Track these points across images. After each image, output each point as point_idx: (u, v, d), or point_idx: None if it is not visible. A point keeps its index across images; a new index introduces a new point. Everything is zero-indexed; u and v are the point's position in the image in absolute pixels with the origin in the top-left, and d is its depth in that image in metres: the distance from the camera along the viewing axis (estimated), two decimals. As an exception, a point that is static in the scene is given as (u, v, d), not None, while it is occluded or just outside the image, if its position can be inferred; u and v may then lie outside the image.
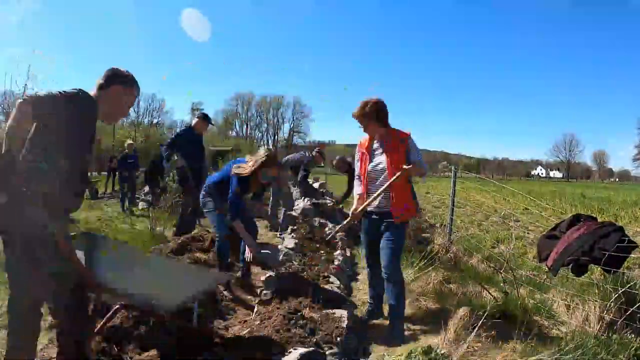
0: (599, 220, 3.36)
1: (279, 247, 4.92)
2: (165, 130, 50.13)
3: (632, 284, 3.34)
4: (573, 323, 3.37)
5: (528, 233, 7.95)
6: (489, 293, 3.67)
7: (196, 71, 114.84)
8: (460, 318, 3.08)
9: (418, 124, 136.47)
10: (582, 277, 3.52)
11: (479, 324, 2.91)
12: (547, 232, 3.42)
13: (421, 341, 3.03)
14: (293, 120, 70.59)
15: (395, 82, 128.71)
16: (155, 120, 59.06)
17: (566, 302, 3.72)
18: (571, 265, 3.28)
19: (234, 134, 63.96)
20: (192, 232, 5.89)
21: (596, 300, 3.39)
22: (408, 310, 3.67)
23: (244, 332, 2.99)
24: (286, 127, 71.11)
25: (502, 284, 3.98)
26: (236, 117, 67.80)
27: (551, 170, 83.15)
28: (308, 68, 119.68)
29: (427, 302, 3.78)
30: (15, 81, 7.60)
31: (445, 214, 8.49)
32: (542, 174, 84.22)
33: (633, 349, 2.57)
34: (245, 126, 68.68)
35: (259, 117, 69.77)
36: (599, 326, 3.15)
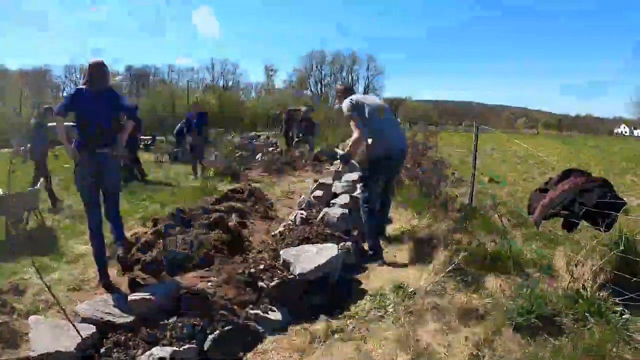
0: (593, 175, 3.29)
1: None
2: (240, 92, 52.27)
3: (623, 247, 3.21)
4: (567, 279, 3.38)
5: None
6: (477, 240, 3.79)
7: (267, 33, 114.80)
8: (442, 262, 3.35)
9: (499, 78, 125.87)
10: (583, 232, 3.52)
11: (454, 267, 3.16)
12: (539, 186, 3.45)
13: (402, 279, 3.35)
14: (367, 77, 69.22)
15: (475, 37, 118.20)
16: (230, 83, 61.43)
17: (567, 259, 3.73)
18: (562, 221, 3.33)
19: (308, 92, 64.50)
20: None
21: (593, 258, 3.36)
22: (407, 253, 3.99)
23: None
24: (361, 85, 70.19)
25: (506, 237, 4.07)
26: (310, 76, 68.06)
27: (635, 128, 73.02)
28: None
29: (428, 249, 4.01)
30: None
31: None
32: (625, 132, 74.52)
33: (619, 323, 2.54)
34: (319, 84, 68.84)
35: (333, 75, 69.32)
36: (592, 286, 3.12)
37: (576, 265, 3.52)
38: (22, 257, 4.01)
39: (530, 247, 3.97)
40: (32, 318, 2.60)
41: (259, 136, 15.74)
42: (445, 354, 2.32)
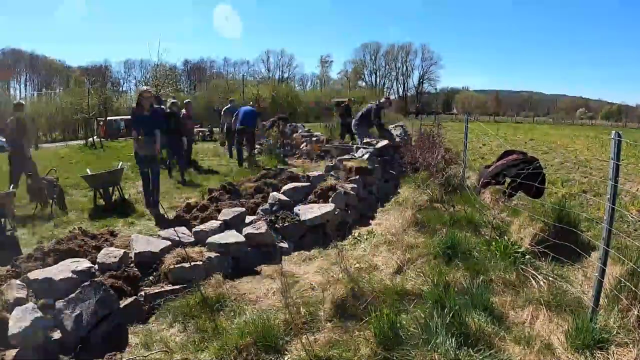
0: (528, 155, 4.29)
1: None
2: (296, 84, 53.77)
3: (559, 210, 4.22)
4: (514, 237, 4.45)
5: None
6: (443, 208, 4.93)
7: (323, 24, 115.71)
8: (407, 217, 4.55)
9: (556, 68, 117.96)
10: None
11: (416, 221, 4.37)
12: (487, 164, 4.51)
13: (376, 229, 4.60)
14: (422, 67, 68.49)
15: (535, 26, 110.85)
16: (285, 75, 63.67)
17: (520, 223, 4.76)
18: (506, 192, 4.39)
19: (362, 83, 65.17)
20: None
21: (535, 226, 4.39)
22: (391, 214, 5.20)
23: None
24: (415, 75, 69.65)
25: (475, 207, 5.14)
26: (364, 67, 68.48)
27: None
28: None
29: (410, 211, 5.20)
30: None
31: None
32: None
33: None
34: (374, 75, 69.26)
35: (387, 66, 69.34)
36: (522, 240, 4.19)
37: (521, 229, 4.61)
38: (112, 215, 5.77)
39: (495, 215, 5.04)
40: (133, 235, 4.19)
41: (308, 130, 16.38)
42: (383, 265, 3.58)
